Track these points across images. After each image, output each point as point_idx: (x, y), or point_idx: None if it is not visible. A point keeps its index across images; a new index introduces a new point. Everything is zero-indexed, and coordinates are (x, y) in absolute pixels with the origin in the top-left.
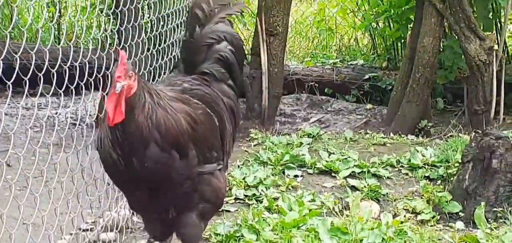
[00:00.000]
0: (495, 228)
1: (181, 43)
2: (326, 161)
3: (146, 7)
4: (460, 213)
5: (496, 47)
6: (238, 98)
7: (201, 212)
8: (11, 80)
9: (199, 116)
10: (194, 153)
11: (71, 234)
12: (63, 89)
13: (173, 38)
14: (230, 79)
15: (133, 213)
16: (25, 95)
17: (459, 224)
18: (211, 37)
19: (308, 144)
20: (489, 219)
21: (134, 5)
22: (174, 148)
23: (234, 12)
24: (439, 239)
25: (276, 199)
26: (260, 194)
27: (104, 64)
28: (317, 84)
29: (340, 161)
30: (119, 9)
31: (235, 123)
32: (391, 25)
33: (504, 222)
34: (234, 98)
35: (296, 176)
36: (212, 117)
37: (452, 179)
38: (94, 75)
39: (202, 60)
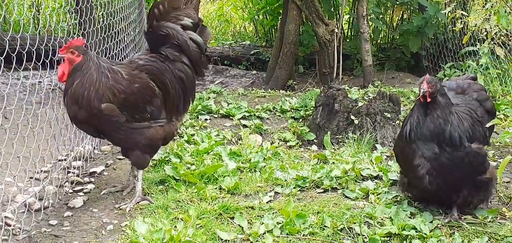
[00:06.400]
0: (337, 148)
1: (143, 31)
2: (226, 109)
3: (98, 5)
4: (314, 140)
5: (336, 30)
6: (194, 72)
7: (142, 149)
8: (2, 57)
9: (131, 89)
10: (118, 115)
11: (51, 163)
12: (40, 63)
13: (118, 27)
14: (185, 58)
15: (94, 147)
16: (13, 68)
17: (314, 147)
18: (162, 30)
19: (214, 98)
20: (333, 143)
21: (89, 3)
22: (99, 111)
23: (182, 14)
24: (301, 157)
25: (193, 135)
26: (182, 132)
27: None
28: (219, 58)
29: (235, 108)
30: (79, 6)
31: (185, 88)
32: (267, 17)
33: (343, 144)
34: (185, 71)
35: (206, 119)
36: (151, 86)
37: (309, 117)
38: None
39: (160, 44)
